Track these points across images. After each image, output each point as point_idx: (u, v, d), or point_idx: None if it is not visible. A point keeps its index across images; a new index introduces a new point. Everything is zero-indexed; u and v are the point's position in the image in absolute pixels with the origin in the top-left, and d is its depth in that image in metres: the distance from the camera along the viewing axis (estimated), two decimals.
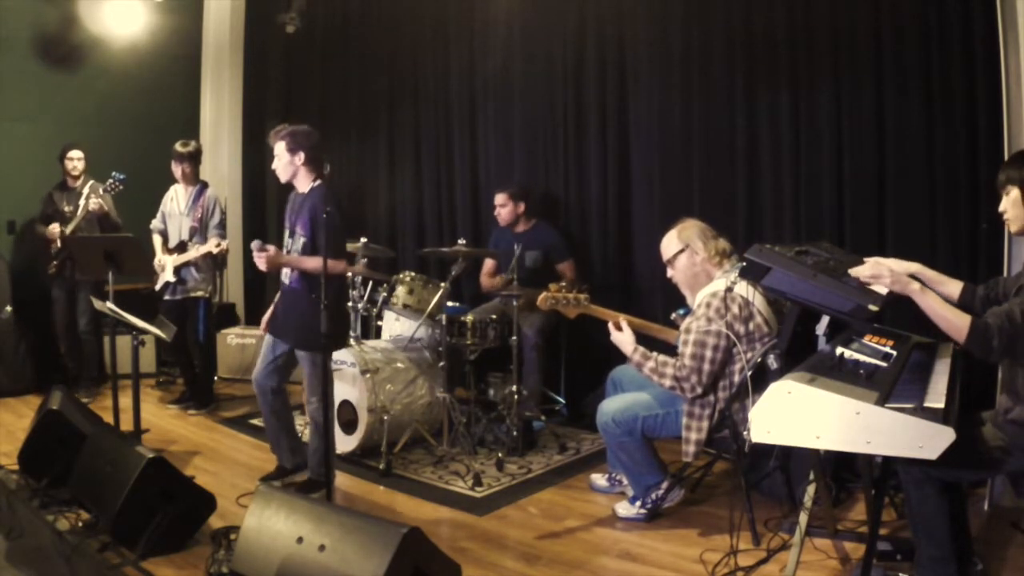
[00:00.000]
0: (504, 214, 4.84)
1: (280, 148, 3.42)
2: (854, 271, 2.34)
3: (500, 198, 4.85)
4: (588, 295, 3.27)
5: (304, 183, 3.47)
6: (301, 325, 3.36)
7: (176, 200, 4.99)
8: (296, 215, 3.46)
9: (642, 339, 3.16)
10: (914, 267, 2.75)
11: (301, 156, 3.41)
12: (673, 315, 3.36)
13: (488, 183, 5.42)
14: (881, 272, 2.27)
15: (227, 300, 6.60)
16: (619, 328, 3.16)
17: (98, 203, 4.96)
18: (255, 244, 3.34)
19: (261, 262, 3.31)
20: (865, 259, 2.63)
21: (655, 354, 3.08)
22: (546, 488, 3.65)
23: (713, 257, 3.13)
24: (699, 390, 2.98)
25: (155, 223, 5.03)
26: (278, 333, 3.54)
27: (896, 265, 2.81)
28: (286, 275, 3.49)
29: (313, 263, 3.25)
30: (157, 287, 4.91)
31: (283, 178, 3.48)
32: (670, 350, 3.12)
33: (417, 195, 5.83)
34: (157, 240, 4.99)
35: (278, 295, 3.60)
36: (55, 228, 5.08)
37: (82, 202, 4.98)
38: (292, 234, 3.48)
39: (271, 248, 3.37)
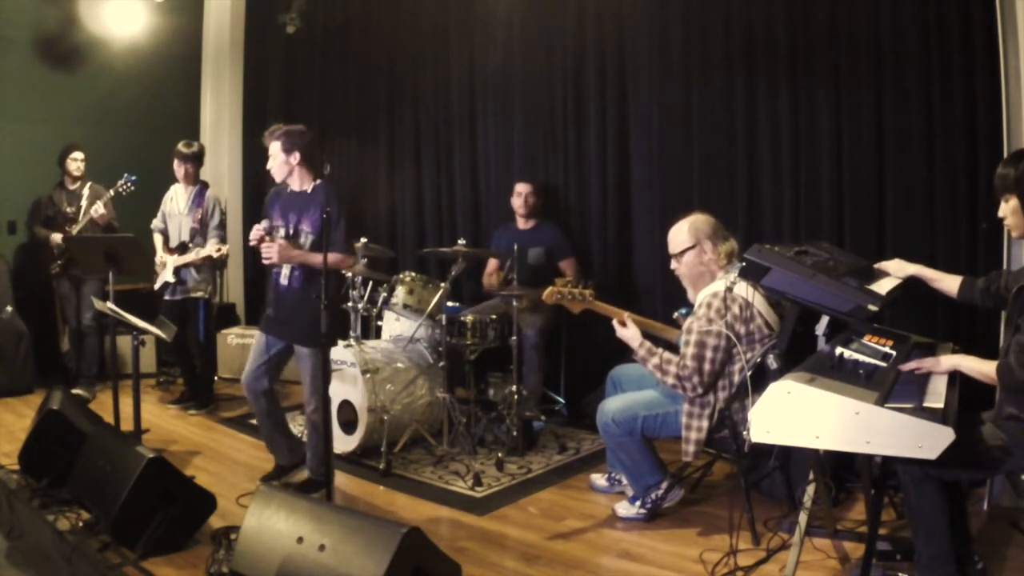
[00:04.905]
0: (527, 202, 4.83)
1: (275, 148, 3.43)
2: (909, 367, 2.28)
3: (525, 187, 4.86)
4: (594, 291, 3.27)
5: (303, 182, 3.47)
6: (312, 322, 3.26)
7: (176, 200, 4.99)
8: (300, 214, 3.45)
9: (645, 337, 3.16)
10: (913, 268, 2.77)
11: (297, 156, 3.42)
12: (675, 314, 3.36)
13: (488, 183, 5.42)
14: (934, 366, 2.28)
15: (227, 300, 6.61)
16: (623, 324, 3.16)
17: (102, 213, 4.98)
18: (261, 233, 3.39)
19: (272, 252, 3.33)
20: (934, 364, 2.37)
21: (660, 350, 3.08)
22: (546, 488, 3.65)
23: (721, 258, 3.13)
24: (700, 390, 2.99)
25: (155, 223, 5.04)
26: (281, 334, 3.51)
27: (897, 266, 2.82)
28: (285, 275, 3.47)
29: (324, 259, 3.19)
30: (156, 286, 4.91)
31: (279, 178, 3.49)
32: (672, 349, 3.13)
33: (417, 195, 5.82)
34: (158, 240, 4.99)
35: (272, 297, 3.56)
36: (57, 237, 5.09)
37: (84, 203, 4.97)
38: (293, 234, 3.45)
39: (282, 240, 3.39)
